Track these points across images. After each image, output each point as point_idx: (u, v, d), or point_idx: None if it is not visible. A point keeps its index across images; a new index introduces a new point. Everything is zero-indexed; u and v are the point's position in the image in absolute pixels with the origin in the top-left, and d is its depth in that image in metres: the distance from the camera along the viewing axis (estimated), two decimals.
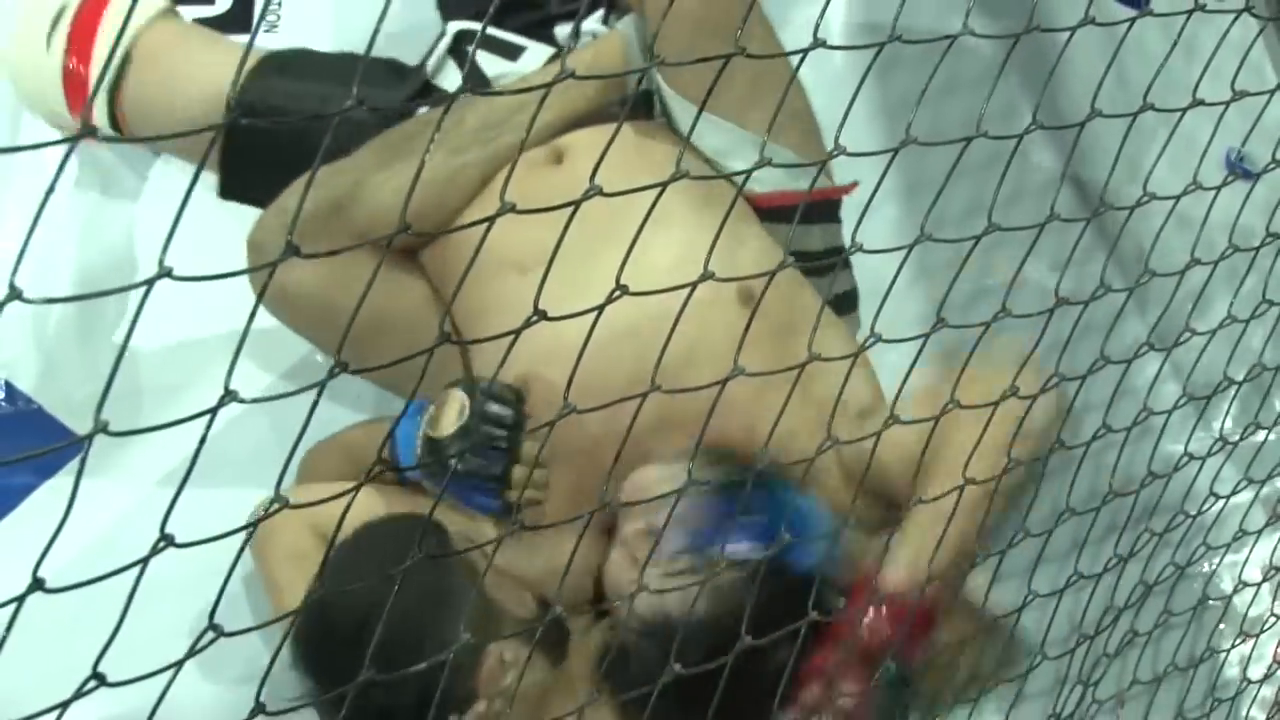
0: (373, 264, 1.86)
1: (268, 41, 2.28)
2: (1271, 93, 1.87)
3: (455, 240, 1.97)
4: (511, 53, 2.17)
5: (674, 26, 1.74)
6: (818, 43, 1.21)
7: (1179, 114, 1.59)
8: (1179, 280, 1.71)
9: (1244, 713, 2.26)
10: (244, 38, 2.23)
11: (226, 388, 0.86)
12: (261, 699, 0.96)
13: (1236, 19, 1.75)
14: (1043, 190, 2.15)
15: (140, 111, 2.00)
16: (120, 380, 0.78)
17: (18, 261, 0.78)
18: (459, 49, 2.16)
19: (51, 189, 0.78)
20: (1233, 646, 2.20)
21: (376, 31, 0.88)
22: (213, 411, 0.91)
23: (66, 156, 0.77)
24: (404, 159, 1.95)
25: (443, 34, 2.20)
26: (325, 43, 2.30)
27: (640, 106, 2.12)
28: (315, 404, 0.97)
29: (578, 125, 2.08)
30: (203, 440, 0.91)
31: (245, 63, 0.89)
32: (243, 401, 0.88)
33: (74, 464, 2.18)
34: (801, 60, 1.24)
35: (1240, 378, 1.91)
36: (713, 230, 1.26)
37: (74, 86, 1.93)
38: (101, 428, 0.81)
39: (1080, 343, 1.71)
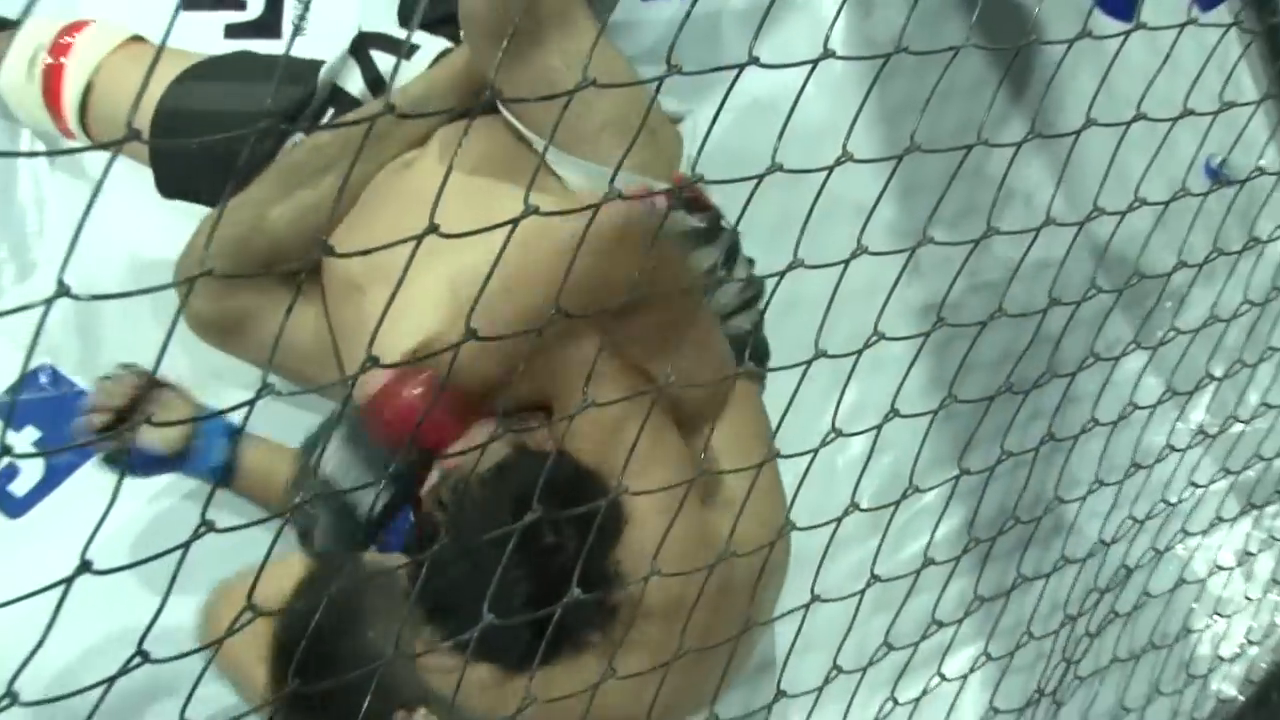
0: (281, 289, 1.94)
1: (297, 47, 2.27)
2: (1258, 103, 1.86)
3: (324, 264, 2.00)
4: (408, 52, 2.16)
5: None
6: (828, 53, 1.20)
7: (1170, 123, 1.57)
8: (1165, 282, 1.71)
9: (1215, 688, 2.25)
10: (244, 44, 2.24)
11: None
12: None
13: (1225, 33, 1.74)
14: (1031, 193, 2.14)
15: (103, 130, 2.10)
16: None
17: (66, 259, 0.77)
18: (360, 49, 2.16)
19: (99, 189, 0.77)
20: (1206, 627, 2.20)
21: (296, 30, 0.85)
22: (250, 404, 0.91)
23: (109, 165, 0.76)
24: (298, 188, 2.01)
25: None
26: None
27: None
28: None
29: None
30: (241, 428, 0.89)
31: (151, 74, 0.87)
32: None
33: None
34: (811, 71, 1.22)
35: (1220, 374, 1.91)
36: None
37: (54, 111, 2.10)
38: (145, 418, 0.80)
39: (1068, 338, 1.72)
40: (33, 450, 2.27)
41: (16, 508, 2.27)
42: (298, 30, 2.23)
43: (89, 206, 0.75)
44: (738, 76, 1.16)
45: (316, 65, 2.13)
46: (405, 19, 2.23)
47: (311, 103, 2.14)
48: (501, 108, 2.03)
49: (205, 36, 2.18)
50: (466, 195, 1.10)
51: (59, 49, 2.09)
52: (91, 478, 2.26)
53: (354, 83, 2.16)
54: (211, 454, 1.91)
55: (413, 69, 2.14)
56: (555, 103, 1.23)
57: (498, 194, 1.83)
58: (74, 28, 2.11)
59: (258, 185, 2.05)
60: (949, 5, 2.54)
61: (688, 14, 1.15)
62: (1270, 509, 2.26)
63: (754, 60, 1.15)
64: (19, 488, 2.27)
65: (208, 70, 2.15)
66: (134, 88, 1.97)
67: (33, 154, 2.36)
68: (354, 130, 2.05)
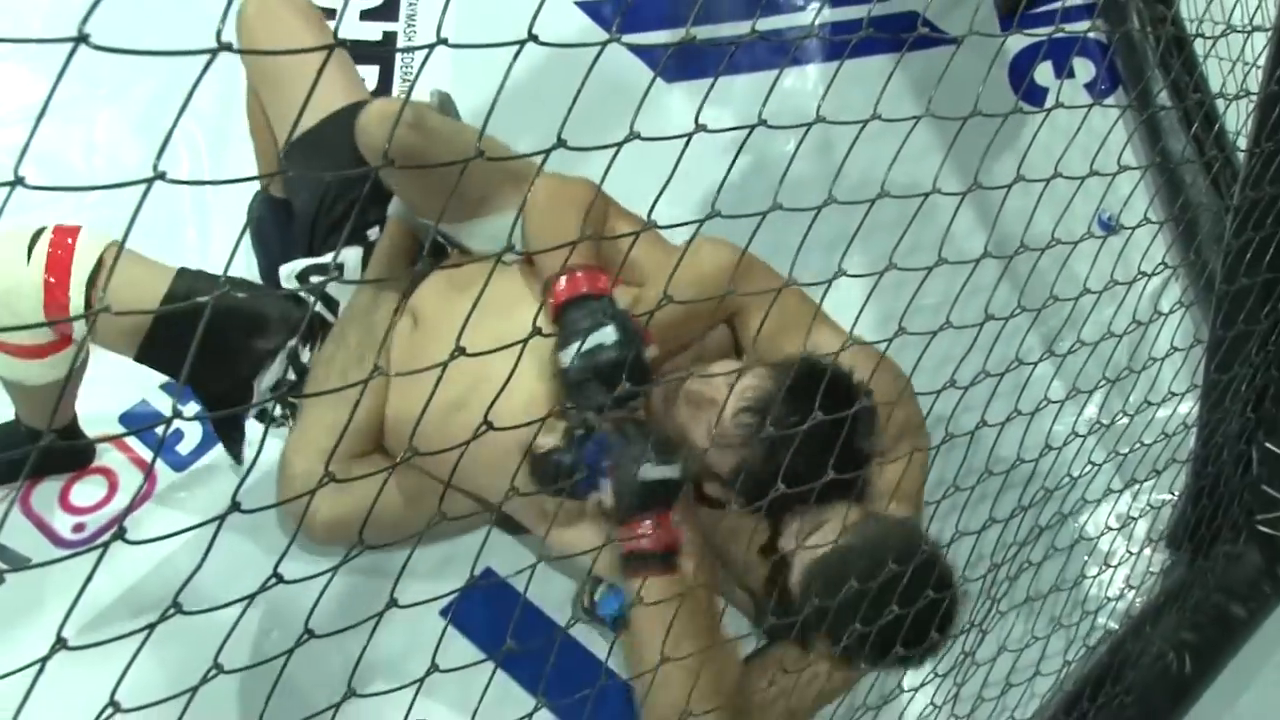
0: (367, 470, 1.84)
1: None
2: (1145, 168, 1.84)
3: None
4: (339, 270, 2.13)
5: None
6: (820, 118, 1.17)
7: (1079, 182, 1.55)
8: (1073, 305, 1.69)
9: (1101, 622, 2.23)
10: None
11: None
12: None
13: (1122, 113, 1.73)
14: (968, 234, 2.13)
15: (114, 299, 1.88)
16: None
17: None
18: (305, 280, 2.11)
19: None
20: (1096, 574, 2.17)
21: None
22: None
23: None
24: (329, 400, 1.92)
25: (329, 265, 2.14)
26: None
27: (441, 254, 2.14)
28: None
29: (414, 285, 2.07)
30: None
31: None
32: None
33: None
34: (805, 134, 1.20)
35: (1111, 377, 1.90)
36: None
37: (51, 290, 1.81)
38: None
39: (996, 348, 1.71)
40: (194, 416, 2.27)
41: (181, 462, 2.29)
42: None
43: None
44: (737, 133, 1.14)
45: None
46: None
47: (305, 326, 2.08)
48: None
49: None
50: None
51: (62, 234, 1.84)
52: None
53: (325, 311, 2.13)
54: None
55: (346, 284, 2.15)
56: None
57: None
58: (64, 226, 1.87)
59: (306, 415, 2.00)
60: (905, 90, 2.53)
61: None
62: (1147, 484, 2.23)
63: (763, 122, 1.13)
64: (183, 448, 2.29)
65: (208, 277, 1.99)
66: (142, 271, 1.95)
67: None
68: (361, 323, 2.04)
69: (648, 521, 1.71)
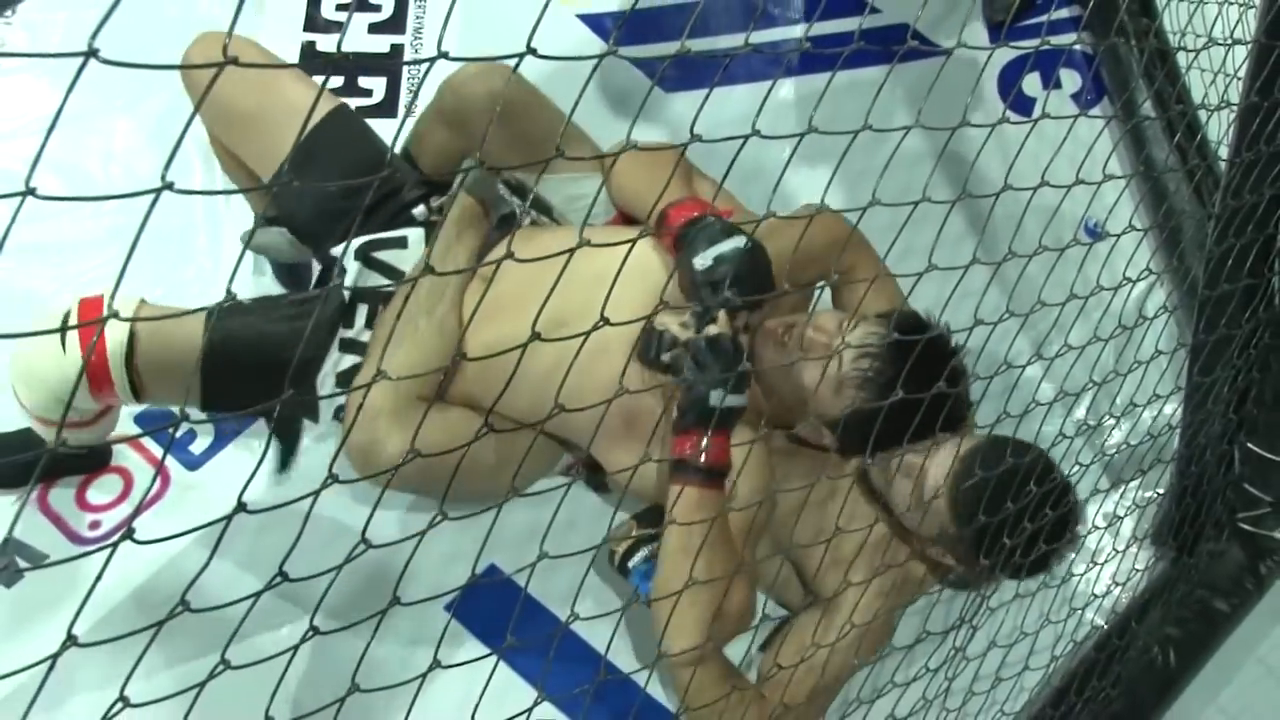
0: (435, 418, 1.82)
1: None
2: (1130, 177, 1.84)
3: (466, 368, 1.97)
4: (402, 243, 2.10)
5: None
6: (811, 129, 1.17)
7: (1065, 190, 1.55)
8: (1060, 309, 1.69)
9: (1089, 618, 2.22)
10: None
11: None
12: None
13: (1108, 123, 1.72)
14: (957, 241, 2.13)
15: (154, 369, 1.87)
16: None
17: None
18: (367, 257, 2.07)
19: None
20: (1084, 572, 2.16)
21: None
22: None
23: None
24: (402, 340, 1.91)
25: (336, 260, 2.11)
26: None
27: (507, 226, 2.10)
28: None
29: (481, 255, 2.06)
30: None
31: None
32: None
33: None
34: (798, 144, 1.19)
35: (1098, 380, 1.89)
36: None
37: (94, 375, 1.82)
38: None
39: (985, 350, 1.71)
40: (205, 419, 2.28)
41: (194, 462, 2.29)
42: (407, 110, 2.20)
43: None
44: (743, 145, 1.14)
45: (333, 287, 2.07)
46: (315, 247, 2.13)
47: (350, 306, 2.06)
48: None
49: None
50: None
51: (89, 311, 1.81)
52: (246, 443, 2.28)
53: (376, 279, 2.09)
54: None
55: (410, 256, 2.10)
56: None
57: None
58: (88, 301, 1.84)
59: (372, 354, 1.98)
60: (897, 101, 2.53)
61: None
62: (1132, 484, 2.23)
63: (756, 132, 1.13)
64: (196, 448, 2.29)
65: (237, 309, 1.96)
66: (174, 326, 1.94)
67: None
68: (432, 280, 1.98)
69: (705, 438, 1.73)
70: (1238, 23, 1.99)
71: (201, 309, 1.92)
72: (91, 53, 0.66)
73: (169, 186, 0.72)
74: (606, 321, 1.09)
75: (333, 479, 0.87)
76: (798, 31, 2.89)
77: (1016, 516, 1.72)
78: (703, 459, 1.73)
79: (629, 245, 1.16)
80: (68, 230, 2.41)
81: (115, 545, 0.82)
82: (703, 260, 1.76)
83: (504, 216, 2.09)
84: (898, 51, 1.29)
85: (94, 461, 2.23)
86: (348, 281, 2.06)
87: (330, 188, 2.05)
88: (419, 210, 2.13)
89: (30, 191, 0.69)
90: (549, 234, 2.12)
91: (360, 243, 2.07)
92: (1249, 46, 1.63)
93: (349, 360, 2.02)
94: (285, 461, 2.14)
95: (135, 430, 2.26)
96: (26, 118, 2.56)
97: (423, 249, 2.08)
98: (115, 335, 1.82)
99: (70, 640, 0.82)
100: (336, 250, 2.09)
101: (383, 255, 2.09)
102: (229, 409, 1.99)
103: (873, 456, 1.82)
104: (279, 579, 0.89)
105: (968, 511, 1.75)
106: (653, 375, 1.78)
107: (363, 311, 2.06)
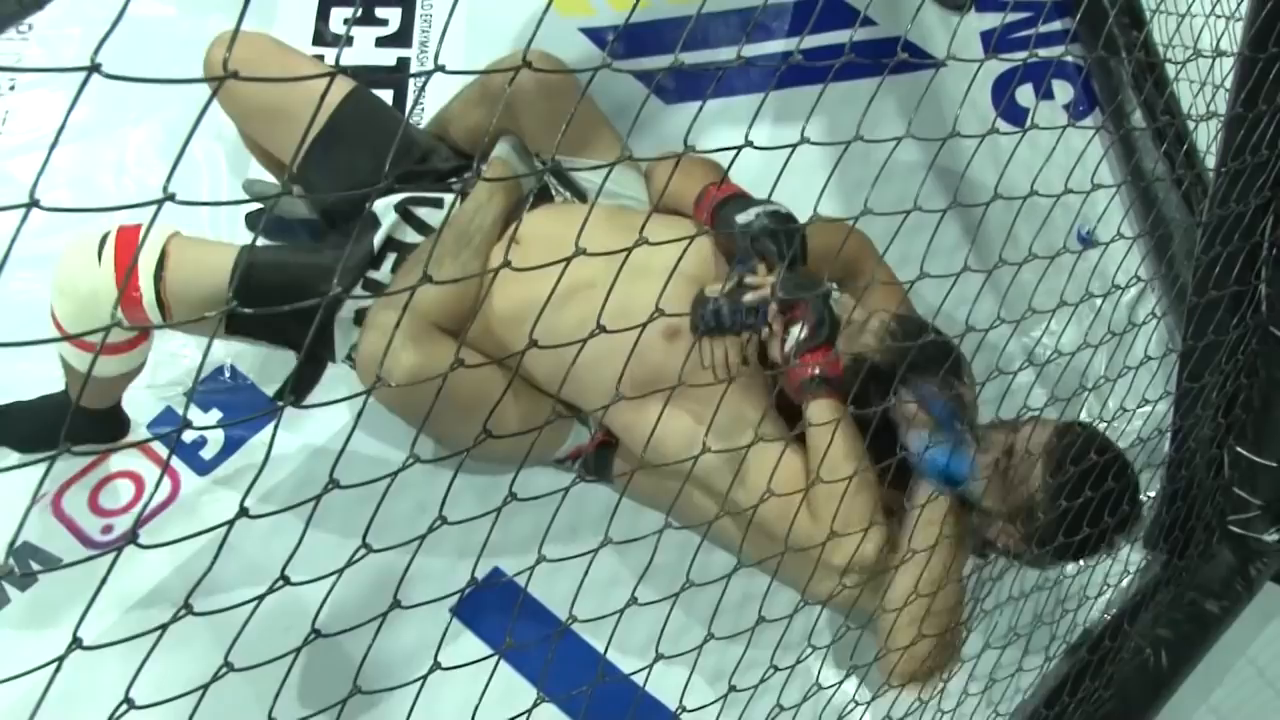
0: (446, 350, 1.86)
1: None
2: (1117, 188, 1.84)
3: (487, 312, 2.01)
4: (439, 204, 2.13)
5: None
6: (804, 140, 1.17)
7: (1054, 200, 1.54)
8: (1050, 316, 1.69)
9: (1082, 619, 2.21)
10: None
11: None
12: None
13: (1096, 132, 1.72)
14: (951, 250, 2.13)
15: (181, 287, 1.91)
16: None
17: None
18: (405, 210, 2.09)
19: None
20: (1078, 573, 2.16)
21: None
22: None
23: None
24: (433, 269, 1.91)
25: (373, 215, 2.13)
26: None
27: (544, 195, 2.18)
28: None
29: (511, 218, 2.09)
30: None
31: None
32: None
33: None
34: (791, 154, 1.19)
35: (1090, 385, 1.89)
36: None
37: (127, 288, 1.87)
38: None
39: (978, 358, 1.71)
40: (213, 425, 2.29)
41: (204, 467, 2.29)
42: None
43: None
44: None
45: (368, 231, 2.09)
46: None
47: (376, 254, 2.08)
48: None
49: None
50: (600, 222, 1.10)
51: (125, 234, 1.89)
52: (253, 449, 2.28)
53: (410, 235, 2.10)
54: None
55: (444, 212, 2.13)
56: None
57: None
58: (126, 227, 1.91)
59: (400, 280, 2.01)
60: (894, 110, 2.53)
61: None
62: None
63: (749, 143, 1.13)
64: (206, 454, 2.30)
65: (268, 247, 2.07)
66: (205, 252, 1.98)
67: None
68: (462, 226, 2.03)
69: (822, 353, 1.85)
70: (1223, 33, 1.99)
71: (242, 245, 2.01)
72: (94, 68, 0.66)
73: (170, 198, 0.72)
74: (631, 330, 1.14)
75: (333, 484, 0.86)
76: (793, 44, 2.89)
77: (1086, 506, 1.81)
78: (831, 370, 1.86)
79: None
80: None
81: (120, 549, 0.82)
82: (745, 216, 1.88)
83: (539, 192, 2.16)
84: (888, 64, 1.28)
85: (113, 429, 2.24)
86: (382, 231, 2.08)
87: (360, 165, 2.10)
88: (455, 183, 2.19)
89: (34, 203, 0.69)
90: (574, 207, 2.17)
91: (400, 198, 2.11)
92: (1234, 58, 1.62)
93: (369, 302, 2.03)
94: (301, 395, 2.18)
95: (145, 436, 2.27)
96: (41, 131, 2.58)
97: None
98: (148, 251, 1.89)
99: (76, 643, 0.81)
100: (377, 205, 2.11)
101: (419, 211, 2.12)
102: (250, 334, 2.05)
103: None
104: (280, 583, 0.89)
105: (1058, 498, 1.82)
106: (699, 347, 1.85)
107: (390, 259, 2.08)
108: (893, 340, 1.85)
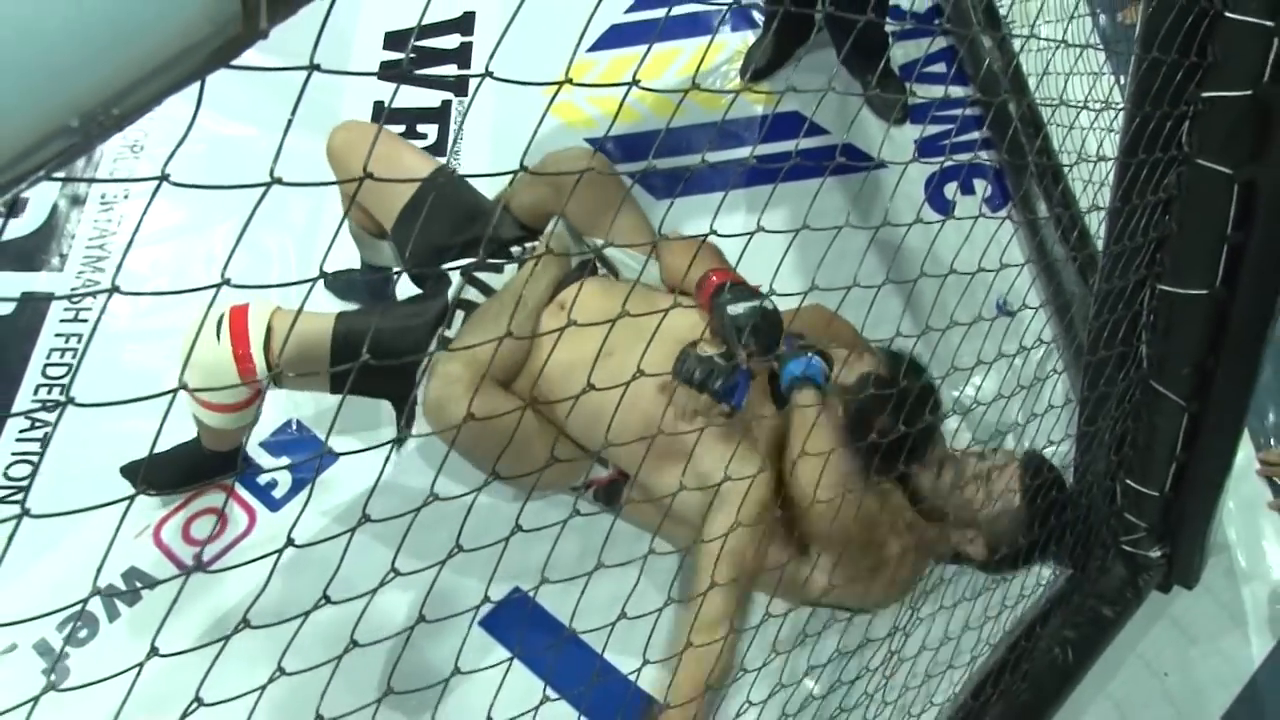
0: (498, 398, 1.86)
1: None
2: (1022, 266, 1.84)
3: (530, 370, 1.99)
4: (499, 269, 2.16)
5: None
6: (759, 229, 1.17)
7: (969, 276, 1.54)
8: (970, 372, 1.68)
9: (1003, 624, 2.17)
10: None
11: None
12: None
13: (1003, 221, 1.72)
14: (892, 321, 2.14)
15: (286, 357, 1.95)
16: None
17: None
18: (470, 276, 2.13)
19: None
20: (998, 586, 2.12)
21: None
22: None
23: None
24: (488, 331, 1.93)
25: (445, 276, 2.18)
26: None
27: (586, 270, 2.16)
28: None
29: (559, 288, 2.10)
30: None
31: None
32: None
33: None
34: (749, 240, 1.19)
35: (1004, 430, 1.89)
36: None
37: (241, 360, 1.90)
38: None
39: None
40: (281, 466, 2.30)
41: (276, 505, 2.28)
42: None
43: None
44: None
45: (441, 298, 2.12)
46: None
47: (447, 314, 2.09)
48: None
49: None
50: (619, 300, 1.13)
51: (237, 314, 1.94)
52: (320, 489, 2.24)
53: (474, 294, 2.12)
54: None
55: (505, 277, 2.14)
56: None
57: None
58: (237, 306, 1.96)
59: (465, 337, 2.01)
60: (840, 207, 2.54)
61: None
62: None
63: (713, 231, 1.13)
64: (277, 493, 2.28)
65: (360, 310, 2.12)
66: (303, 323, 2.03)
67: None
68: (517, 289, 2.06)
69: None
70: (1102, 141, 2.00)
71: (339, 312, 2.03)
72: (163, 177, 0.67)
73: (226, 283, 0.73)
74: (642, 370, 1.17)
75: (365, 519, 0.86)
76: (766, 149, 2.90)
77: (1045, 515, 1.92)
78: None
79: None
80: (178, 320, 2.43)
81: (189, 574, 0.81)
82: (735, 308, 1.87)
83: (581, 263, 2.16)
84: (828, 166, 1.29)
85: (231, 464, 2.23)
86: (451, 291, 2.11)
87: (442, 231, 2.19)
88: (515, 250, 2.21)
89: (115, 289, 0.69)
90: (617, 285, 2.15)
91: (465, 262, 2.16)
92: (1113, 162, 1.63)
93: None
94: (401, 431, 2.17)
95: (239, 487, 2.27)
96: (147, 229, 2.59)
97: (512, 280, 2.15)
98: (256, 327, 1.92)
99: (153, 651, 0.81)
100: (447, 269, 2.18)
101: (482, 275, 2.14)
102: (355, 391, 2.04)
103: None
104: (323, 601, 0.88)
105: (1035, 514, 1.92)
106: (683, 391, 1.85)
107: (459, 317, 2.10)
108: (878, 379, 1.85)
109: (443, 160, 2.29)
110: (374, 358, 0.85)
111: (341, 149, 2.20)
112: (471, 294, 2.12)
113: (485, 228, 2.19)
